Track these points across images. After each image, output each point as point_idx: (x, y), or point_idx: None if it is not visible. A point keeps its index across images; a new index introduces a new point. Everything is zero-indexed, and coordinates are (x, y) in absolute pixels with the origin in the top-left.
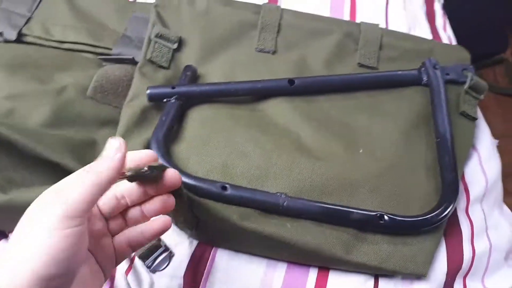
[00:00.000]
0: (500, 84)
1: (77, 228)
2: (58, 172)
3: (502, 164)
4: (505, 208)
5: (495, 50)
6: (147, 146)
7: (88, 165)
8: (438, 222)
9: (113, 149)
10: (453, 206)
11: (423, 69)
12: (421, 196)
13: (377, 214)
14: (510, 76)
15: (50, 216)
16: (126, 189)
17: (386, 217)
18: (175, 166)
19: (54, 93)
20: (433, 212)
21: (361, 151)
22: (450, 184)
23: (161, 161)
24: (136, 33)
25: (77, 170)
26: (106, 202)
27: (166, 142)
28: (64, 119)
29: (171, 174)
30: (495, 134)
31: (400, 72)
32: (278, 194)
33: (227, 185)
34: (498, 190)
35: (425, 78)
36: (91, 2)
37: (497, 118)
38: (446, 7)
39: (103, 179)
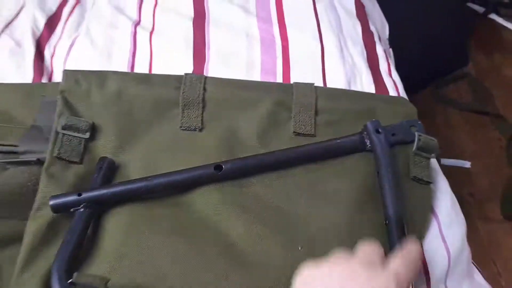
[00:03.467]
0: (464, 99)
1: None
2: None
3: (478, 188)
4: (477, 276)
5: (457, 66)
6: None
7: None
8: None
9: None
10: None
11: (365, 133)
12: None
13: None
14: (474, 91)
15: None
16: None
17: None
18: None
19: None
20: None
21: (300, 248)
22: None
23: None
24: (47, 121)
25: None
26: None
27: (73, 267)
28: None
29: None
30: (466, 156)
31: (339, 140)
32: None
33: None
34: (464, 258)
35: (368, 143)
36: None
37: (466, 136)
38: (401, 26)
39: None
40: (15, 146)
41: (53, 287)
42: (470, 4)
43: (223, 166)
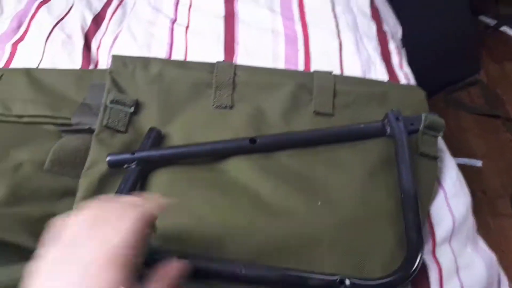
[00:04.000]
0: (476, 104)
1: None
2: (17, 252)
3: (489, 186)
4: (480, 242)
5: (468, 73)
6: None
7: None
8: (402, 284)
9: None
10: (417, 267)
11: (386, 120)
12: (383, 248)
13: (337, 279)
14: (486, 96)
15: None
16: None
17: (347, 282)
18: None
19: (9, 171)
20: (397, 274)
21: (319, 203)
22: (414, 244)
23: None
24: (95, 100)
25: (35, 247)
26: None
27: None
28: (21, 196)
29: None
30: (478, 155)
31: (363, 126)
32: (236, 263)
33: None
34: (469, 225)
35: (388, 130)
36: (51, 75)
37: (478, 139)
38: (414, 34)
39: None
40: (68, 119)
41: None
42: (482, 17)
43: (257, 140)
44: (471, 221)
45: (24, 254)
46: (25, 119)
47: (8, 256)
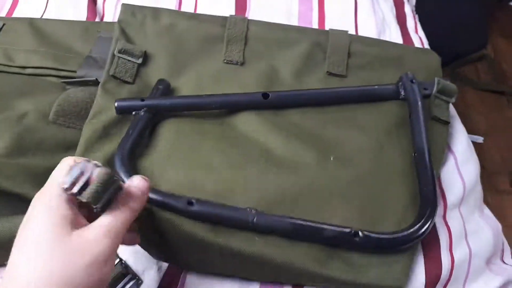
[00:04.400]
0: (482, 80)
1: None
2: (20, 202)
3: (490, 162)
4: (486, 210)
5: (476, 47)
6: (111, 161)
7: None
8: (415, 239)
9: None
10: (431, 222)
11: (400, 83)
12: (396, 205)
13: (351, 230)
14: (493, 72)
15: None
16: None
17: (360, 234)
18: None
19: (14, 121)
20: (411, 229)
21: (332, 159)
22: (428, 199)
23: (124, 178)
24: (101, 53)
25: None
26: None
27: (132, 157)
28: (25, 146)
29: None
30: (480, 132)
31: (377, 87)
32: (248, 209)
33: (193, 200)
34: (477, 192)
35: (402, 93)
36: (56, 26)
37: (481, 115)
38: (423, 7)
39: None
40: (73, 71)
41: (116, 163)
42: None
43: (270, 95)
44: (479, 188)
45: (27, 205)
46: (29, 71)
47: (11, 207)
